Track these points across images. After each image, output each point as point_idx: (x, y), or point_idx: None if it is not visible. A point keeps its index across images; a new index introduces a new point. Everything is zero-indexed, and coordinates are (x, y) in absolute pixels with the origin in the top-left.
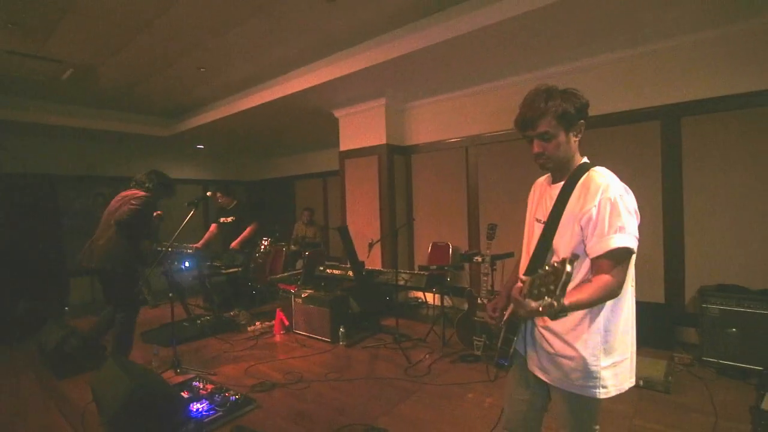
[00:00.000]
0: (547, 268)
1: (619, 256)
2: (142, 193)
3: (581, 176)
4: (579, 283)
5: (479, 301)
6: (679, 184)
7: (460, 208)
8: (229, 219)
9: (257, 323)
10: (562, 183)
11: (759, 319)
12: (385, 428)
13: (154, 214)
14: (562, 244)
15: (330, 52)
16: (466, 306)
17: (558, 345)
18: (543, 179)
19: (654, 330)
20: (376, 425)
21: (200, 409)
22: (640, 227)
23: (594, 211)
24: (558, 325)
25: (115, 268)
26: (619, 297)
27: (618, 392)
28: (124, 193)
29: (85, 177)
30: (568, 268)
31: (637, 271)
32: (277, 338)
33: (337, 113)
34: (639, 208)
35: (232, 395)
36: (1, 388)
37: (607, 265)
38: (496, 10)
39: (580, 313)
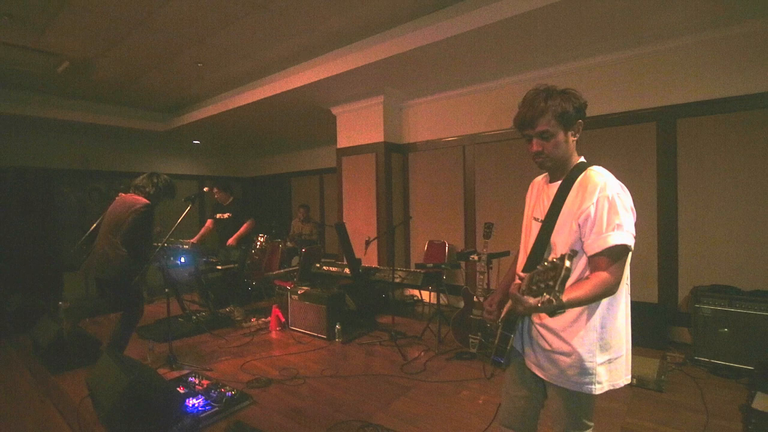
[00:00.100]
0: (546, 264)
1: (617, 254)
2: (144, 201)
3: (579, 175)
4: (576, 280)
5: (475, 299)
6: (674, 185)
7: (457, 207)
8: (226, 215)
9: (252, 320)
10: (560, 182)
11: (750, 320)
12: (380, 424)
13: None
14: (560, 242)
15: (329, 49)
16: (461, 304)
17: (555, 342)
18: (540, 178)
19: (647, 329)
20: (372, 422)
21: (196, 405)
22: (635, 227)
23: (592, 209)
24: (555, 322)
25: (116, 278)
26: (615, 294)
27: (611, 387)
28: (124, 198)
29: (80, 171)
30: (567, 263)
31: (631, 272)
32: (273, 335)
33: (334, 110)
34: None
35: (228, 391)
36: None
37: (604, 263)
38: (494, 11)
39: (576, 310)
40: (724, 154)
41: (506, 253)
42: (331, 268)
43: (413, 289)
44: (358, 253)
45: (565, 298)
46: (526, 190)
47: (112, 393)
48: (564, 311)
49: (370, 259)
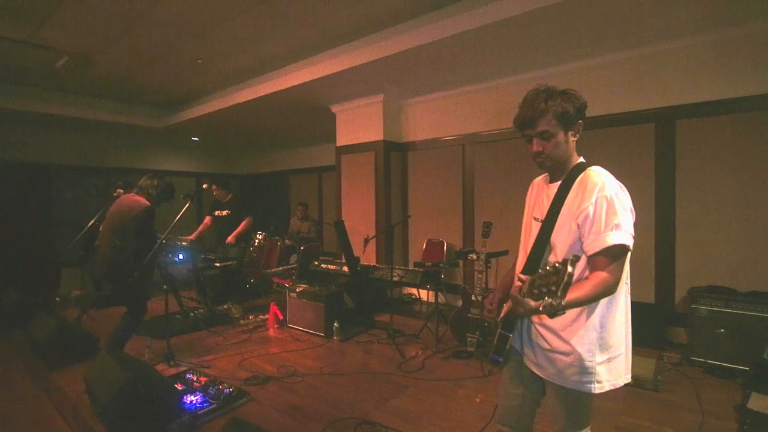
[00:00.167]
0: (548, 268)
1: (616, 253)
2: (145, 203)
3: (578, 175)
4: (576, 280)
5: (473, 298)
6: (672, 186)
7: (456, 206)
8: (224, 212)
9: (250, 317)
10: (560, 182)
11: (746, 320)
12: (378, 422)
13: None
14: (560, 242)
15: (329, 46)
16: (460, 303)
17: (554, 341)
18: (540, 179)
19: (644, 329)
20: (370, 419)
21: (194, 402)
22: (633, 227)
23: (591, 209)
24: (554, 321)
25: (120, 279)
26: (614, 294)
27: (612, 387)
28: (125, 198)
29: (77, 167)
30: (570, 269)
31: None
32: (271, 332)
33: (334, 108)
34: None
35: (226, 388)
36: None
37: (603, 262)
38: (494, 10)
39: (576, 310)
40: (722, 155)
41: (504, 253)
42: (329, 266)
43: (411, 288)
44: (357, 251)
45: (565, 300)
46: (525, 189)
47: (110, 389)
48: (564, 312)
49: (368, 257)
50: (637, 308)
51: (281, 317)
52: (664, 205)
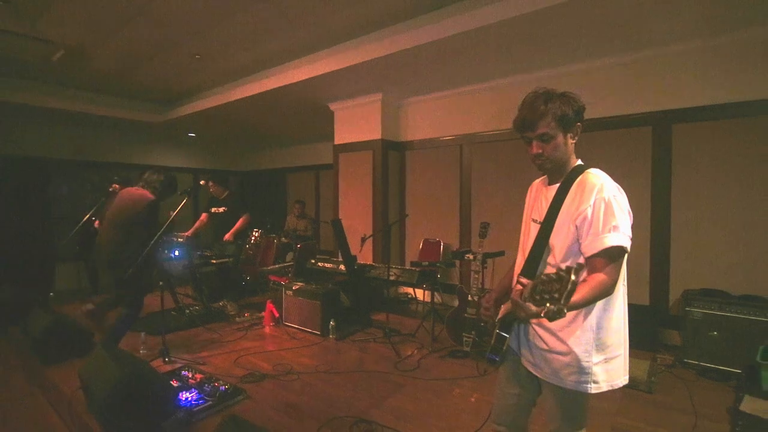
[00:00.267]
0: (551, 275)
1: (614, 255)
2: (150, 197)
3: (576, 177)
4: None
5: (470, 298)
6: (668, 189)
7: (453, 206)
8: (221, 209)
9: (246, 314)
10: (558, 184)
11: (739, 324)
12: (374, 421)
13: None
14: (558, 244)
15: (328, 44)
16: (455, 303)
17: (551, 341)
18: (539, 181)
19: (638, 331)
20: (366, 418)
21: (189, 399)
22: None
23: (589, 211)
24: (552, 322)
25: (124, 270)
26: (611, 295)
27: (610, 388)
28: (129, 192)
29: (73, 162)
30: (573, 277)
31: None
32: (267, 330)
33: (332, 106)
34: None
35: (222, 385)
36: None
37: (601, 264)
38: (494, 11)
39: (573, 311)
40: (718, 160)
41: (501, 253)
42: (326, 264)
43: (407, 287)
44: (354, 249)
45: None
46: (523, 190)
47: (105, 386)
48: (564, 315)
49: (365, 256)
50: (631, 310)
51: (277, 315)
52: (659, 207)
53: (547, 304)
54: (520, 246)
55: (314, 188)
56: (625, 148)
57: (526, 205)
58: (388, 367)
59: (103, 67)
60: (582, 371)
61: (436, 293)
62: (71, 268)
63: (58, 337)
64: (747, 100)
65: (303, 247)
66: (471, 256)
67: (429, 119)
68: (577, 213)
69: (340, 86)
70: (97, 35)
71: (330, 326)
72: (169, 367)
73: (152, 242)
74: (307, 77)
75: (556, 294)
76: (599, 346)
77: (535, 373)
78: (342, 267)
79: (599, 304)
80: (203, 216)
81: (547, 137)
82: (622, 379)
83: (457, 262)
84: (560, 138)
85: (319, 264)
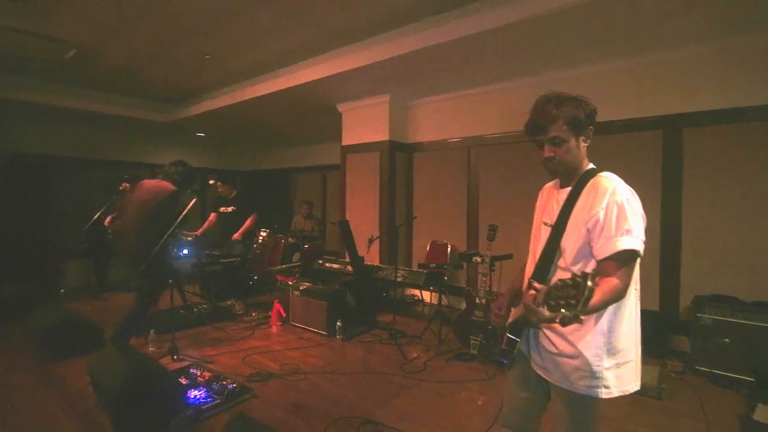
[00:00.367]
0: (567, 280)
1: (626, 258)
2: (171, 187)
3: (589, 180)
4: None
5: (477, 301)
6: (679, 193)
7: (460, 208)
8: (229, 209)
9: (253, 314)
10: (570, 187)
11: (751, 331)
12: (380, 422)
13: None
14: (569, 247)
15: (337, 45)
16: (462, 305)
17: (561, 345)
18: (550, 185)
19: (647, 337)
20: (372, 419)
21: (198, 396)
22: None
23: (602, 214)
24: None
25: (144, 262)
26: (623, 299)
27: (621, 393)
28: (151, 183)
29: (81, 160)
30: (590, 283)
31: None
32: (274, 329)
33: (340, 107)
34: None
35: (230, 384)
36: None
37: (613, 267)
38: (503, 14)
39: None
40: (730, 164)
41: (509, 256)
42: (332, 265)
43: (414, 289)
44: (361, 250)
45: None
46: (531, 193)
47: (114, 382)
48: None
49: (372, 257)
50: (641, 315)
51: (284, 314)
52: (670, 211)
53: (562, 310)
54: (531, 249)
55: (321, 189)
56: (635, 151)
57: (536, 209)
58: (394, 369)
59: (112, 66)
60: (593, 376)
61: (443, 295)
62: (80, 265)
63: (68, 332)
64: (760, 104)
65: (310, 247)
66: (479, 259)
67: (437, 121)
68: (590, 216)
69: (348, 87)
70: (109, 34)
71: (337, 327)
72: (177, 365)
73: (168, 232)
74: (316, 78)
75: (572, 300)
76: (610, 351)
77: (544, 376)
78: (349, 268)
79: (611, 307)
80: (212, 216)
81: (558, 140)
82: (633, 385)
83: (465, 265)
84: (572, 141)
85: (326, 264)
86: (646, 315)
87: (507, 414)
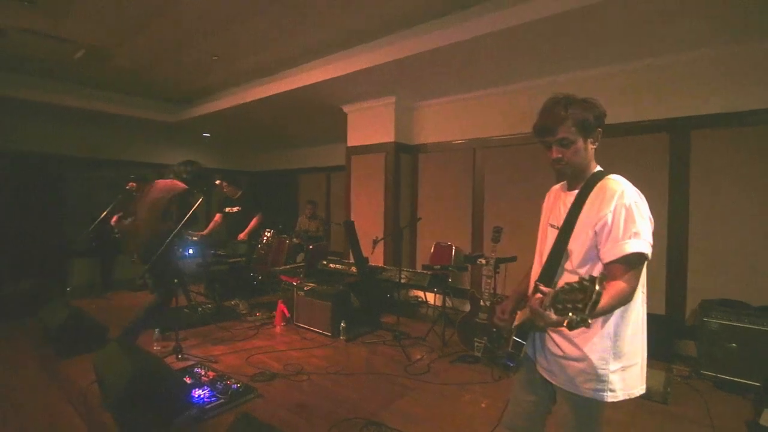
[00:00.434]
0: (574, 284)
1: (633, 262)
2: (182, 186)
3: (596, 183)
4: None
5: (482, 303)
6: (686, 196)
7: (465, 210)
8: (235, 209)
9: (257, 313)
10: (578, 190)
11: (758, 335)
12: (384, 423)
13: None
14: (576, 249)
15: (344, 47)
16: (466, 307)
17: (567, 347)
18: (557, 187)
19: (653, 341)
20: (376, 420)
21: (202, 396)
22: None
23: (609, 217)
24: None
25: (158, 260)
26: (630, 302)
27: (627, 397)
28: (163, 182)
29: (89, 159)
30: (598, 287)
31: None
32: (278, 329)
33: (346, 109)
34: None
35: (234, 383)
36: (2, 366)
37: (620, 270)
38: (509, 15)
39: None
40: (737, 167)
41: (514, 259)
42: (337, 265)
43: (418, 290)
44: (365, 251)
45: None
46: (537, 196)
47: (119, 380)
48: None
49: (376, 258)
50: (647, 319)
51: (288, 315)
52: (677, 214)
53: (570, 314)
54: (537, 252)
55: (325, 189)
56: (642, 154)
57: (543, 211)
58: (397, 370)
59: (121, 67)
60: (598, 379)
61: (447, 297)
62: (86, 263)
63: (74, 330)
64: None
65: (315, 247)
66: (483, 261)
67: (442, 123)
68: (597, 218)
69: (354, 89)
70: (118, 35)
71: (340, 327)
72: (182, 364)
73: (174, 231)
74: (322, 79)
75: (580, 304)
76: (616, 354)
77: (550, 380)
78: (353, 268)
79: (617, 311)
80: (217, 216)
81: (566, 142)
82: (639, 389)
83: (469, 267)
84: (580, 143)
85: (330, 265)
86: (651, 319)
87: (512, 417)
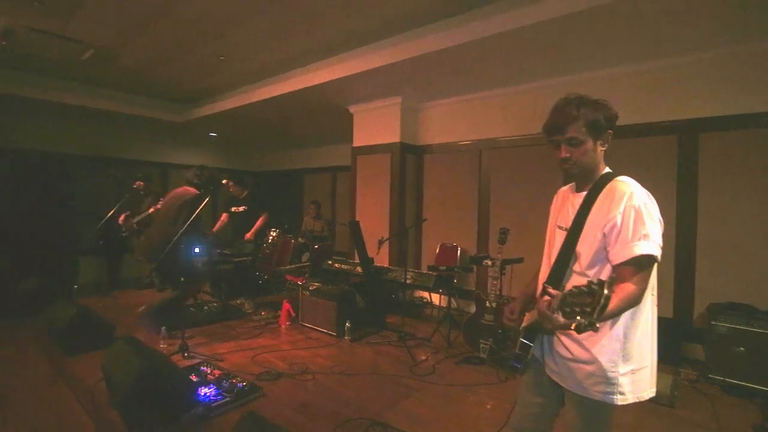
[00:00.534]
0: (582, 287)
1: (643, 264)
2: (194, 192)
3: (605, 184)
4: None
5: (488, 304)
6: (694, 199)
7: (471, 211)
8: (241, 208)
9: (263, 312)
10: (586, 191)
11: (767, 340)
12: (389, 423)
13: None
14: (585, 251)
15: (350, 47)
16: (472, 308)
17: (576, 350)
18: (566, 188)
19: (661, 344)
20: (381, 420)
21: (208, 394)
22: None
23: (618, 219)
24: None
25: (164, 259)
26: (639, 304)
27: (636, 400)
28: (178, 190)
29: (96, 158)
30: (606, 291)
31: None
32: (283, 329)
33: (352, 109)
34: None
35: (240, 382)
36: (10, 364)
37: (629, 273)
38: (516, 17)
39: None
40: (746, 170)
41: (520, 260)
42: (342, 265)
43: (423, 291)
44: (371, 252)
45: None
46: (543, 197)
47: (125, 378)
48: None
49: (381, 258)
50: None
51: (293, 314)
52: (685, 217)
53: (578, 317)
54: (545, 253)
55: (331, 189)
56: (650, 156)
57: (551, 213)
58: (402, 371)
59: (127, 66)
60: (608, 382)
61: (452, 298)
62: (93, 262)
63: (81, 328)
64: None
65: (320, 247)
66: (489, 262)
67: (448, 123)
68: (606, 220)
69: (360, 89)
70: (125, 35)
71: (345, 327)
72: (188, 362)
73: (182, 229)
74: (328, 80)
75: (588, 308)
76: (626, 356)
77: (559, 382)
78: (358, 269)
79: (627, 313)
80: (223, 216)
81: (576, 141)
82: (649, 392)
83: (475, 268)
84: (590, 143)
85: (336, 265)
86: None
87: (519, 419)
